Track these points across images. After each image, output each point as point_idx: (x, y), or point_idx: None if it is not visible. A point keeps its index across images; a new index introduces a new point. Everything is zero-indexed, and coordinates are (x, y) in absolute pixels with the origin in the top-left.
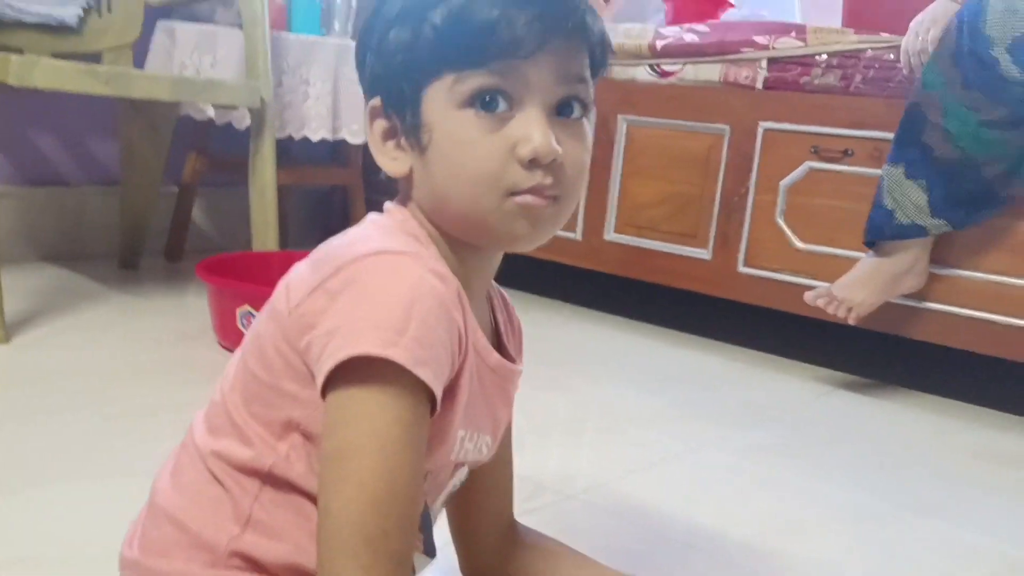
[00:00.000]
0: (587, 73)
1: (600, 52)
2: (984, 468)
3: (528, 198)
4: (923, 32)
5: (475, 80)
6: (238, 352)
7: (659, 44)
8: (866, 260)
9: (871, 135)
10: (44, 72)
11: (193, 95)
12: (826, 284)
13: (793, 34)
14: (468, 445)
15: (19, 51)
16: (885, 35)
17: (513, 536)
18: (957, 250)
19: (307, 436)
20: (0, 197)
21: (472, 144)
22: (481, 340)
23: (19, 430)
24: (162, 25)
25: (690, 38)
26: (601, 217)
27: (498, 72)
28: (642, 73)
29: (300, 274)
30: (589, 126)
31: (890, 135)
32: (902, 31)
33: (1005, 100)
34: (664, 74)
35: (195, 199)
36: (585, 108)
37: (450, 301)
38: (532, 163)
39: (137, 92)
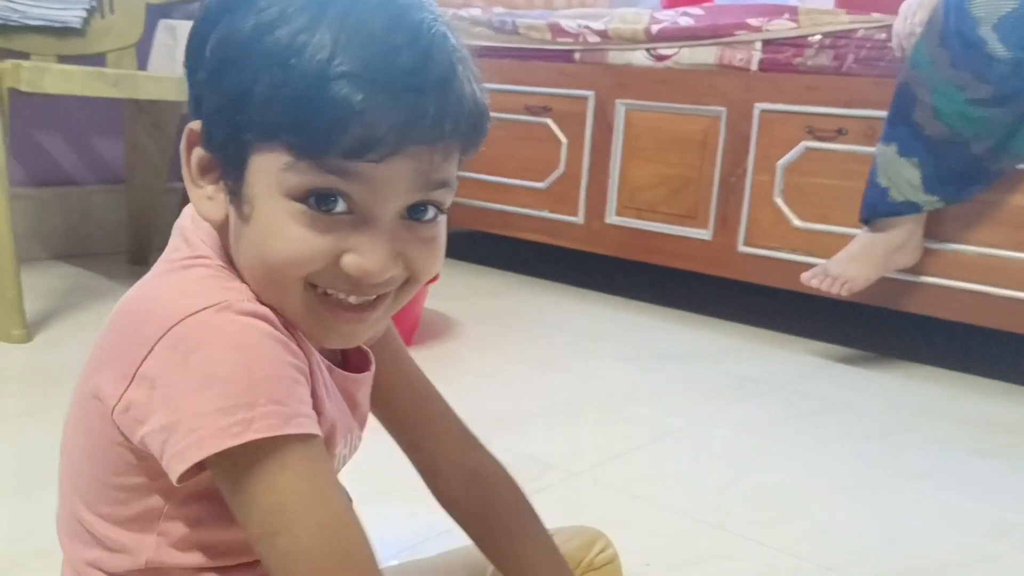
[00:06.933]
0: (452, 174)
1: (477, 137)
2: (971, 433)
3: (340, 311)
4: (911, 15)
5: (309, 177)
6: (65, 445)
7: (654, 28)
8: (861, 236)
9: (864, 114)
10: (54, 78)
11: None
12: (823, 261)
13: (786, 16)
14: (345, 451)
15: (25, 55)
16: (876, 15)
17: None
18: (950, 225)
19: (169, 516)
20: (12, 199)
21: (296, 242)
22: (316, 357)
23: (48, 428)
24: (164, 23)
25: (685, 22)
26: (602, 201)
27: (338, 172)
28: (639, 57)
29: (108, 351)
30: (443, 224)
31: (882, 114)
32: (893, 11)
33: (991, 78)
34: (660, 58)
35: None
36: (440, 211)
37: (281, 334)
38: (352, 278)
39: (144, 93)
